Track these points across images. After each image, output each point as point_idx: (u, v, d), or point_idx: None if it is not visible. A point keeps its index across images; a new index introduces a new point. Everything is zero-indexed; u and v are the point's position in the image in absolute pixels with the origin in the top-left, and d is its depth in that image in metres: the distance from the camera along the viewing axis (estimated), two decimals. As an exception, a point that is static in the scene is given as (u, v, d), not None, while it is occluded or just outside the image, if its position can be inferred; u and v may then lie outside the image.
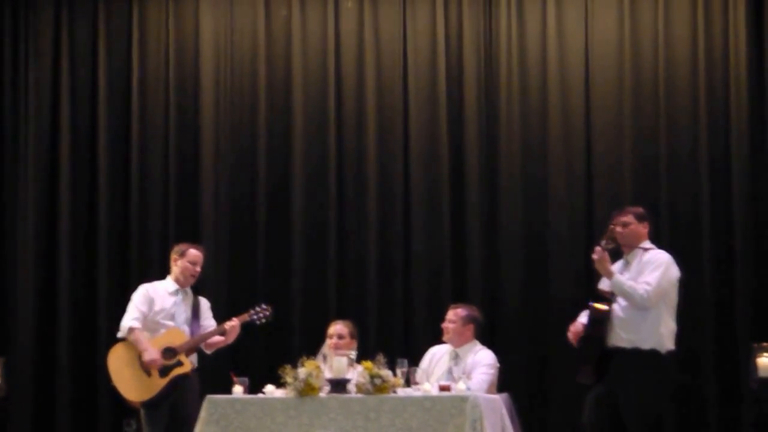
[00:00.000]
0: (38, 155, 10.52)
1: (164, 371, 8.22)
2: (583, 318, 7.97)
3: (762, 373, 8.98)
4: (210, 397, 7.47)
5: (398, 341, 9.95)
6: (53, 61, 10.62)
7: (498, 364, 8.34)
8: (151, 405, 8.23)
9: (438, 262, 10.20)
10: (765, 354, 9.02)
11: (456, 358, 8.36)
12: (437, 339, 8.58)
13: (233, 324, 8.34)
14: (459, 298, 9.23)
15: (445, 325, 8.44)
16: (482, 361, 8.26)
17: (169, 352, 8.24)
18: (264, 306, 8.47)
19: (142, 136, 10.51)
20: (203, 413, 7.41)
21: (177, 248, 8.63)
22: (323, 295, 10.22)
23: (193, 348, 8.35)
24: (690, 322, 9.73)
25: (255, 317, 8.45)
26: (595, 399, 7.73)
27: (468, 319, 8.41)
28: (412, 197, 10.31)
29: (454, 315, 8.43)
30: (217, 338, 8.42)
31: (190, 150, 10.51)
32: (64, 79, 10.57)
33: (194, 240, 9.10)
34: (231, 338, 8.42)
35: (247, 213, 10.42)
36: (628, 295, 7.59)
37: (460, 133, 10.33)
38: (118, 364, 8.30)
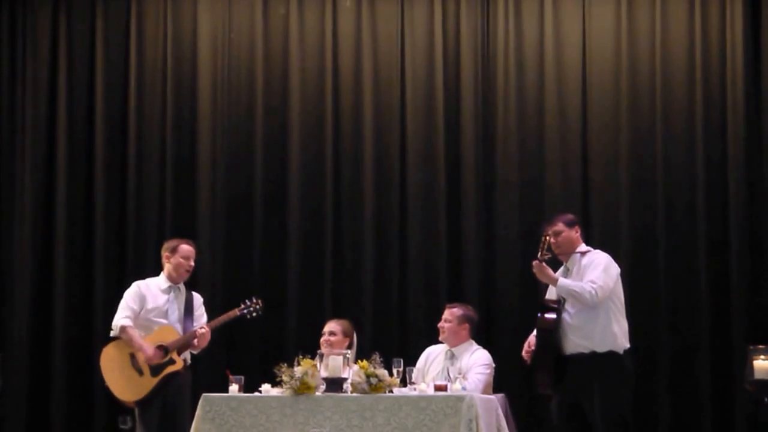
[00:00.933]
0: (35, 152, 10.51)
1: (156, 370, 8.20)
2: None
3: (758, 375, 9.01)
4: (206, 395, 7.47)
5: (394, 341, 9.96)
6: (50, 58, 10.61)
7: (494, 365, 8.35)
8: (144, 403, 8.23)
9: (434, 263, 10.20)
10: (761, 356, 9.04)
11: (452, 357, 8.38)
12: (433, 339, 8.59)
13: (202, 331, 8.29)
14: (455, 299, 9.22)
15: (441, 324, 8.46)
16: (478, 361, 8.28)
17: (160, 350, 8.23)
18: (255, 300, 8.46)
19: (138, 133, 10.51)
20: (199, 411, 7.43)
21: (167, 245, 8.59)
22: (319, 294, 10.21)
23: (184, 345, 8.32)
24: (686, 324, 9.79)
25: (246, 311, 8.44)
26: (556, 406, 7.77)
27: (463, 318, 8.43)
28: (409, 197, 10.32)
29: (450, 314, 8.45)
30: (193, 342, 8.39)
31: (187, 147, 10.51)
32: (61, 75, 10.57)
33: (190, 238, 9.07)
34: (202, 343, 8.34)
35: (243, 211, 10.42)
36: (577, 295, 7.60)
37: (456, 134, 10.33)
38: (109, 365, 8.30)
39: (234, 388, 7.57)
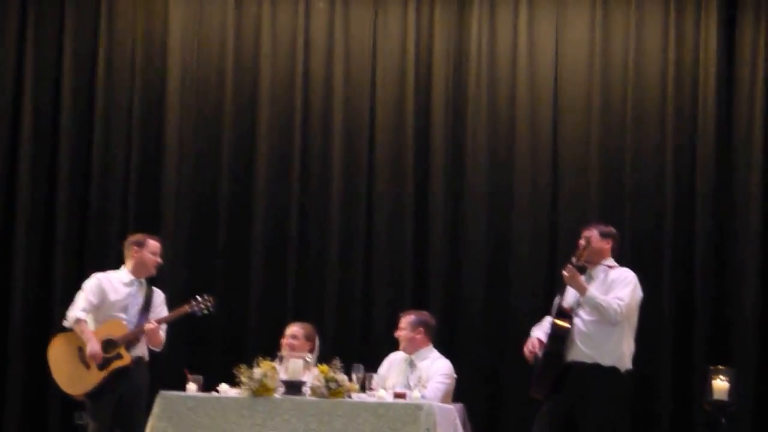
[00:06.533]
0: (-1, 139, 10.45)
1: (103, 364, 8.12)
2: (536, 332, 7.99)
3: (716, 396, 9.03)
4: (162, 392, 7.44)
5: (356, 347, 9.93)
6: (17, 49, 10.50)
7: (455, 375, 8.33)
8: (92, 397, 8.16)
9: (399, 270, 10.20)
10: (720, 377, 9.06)
11: (411, 364, 8.35)
12: (395, 346, 8.55)
13: (150, 327, 8.18)
14: (420, 307, 9.18)
15: (397, 333, 8.44)
16: (439, 370, 8.25)
17: (109, 344, 8.14)
18: (206, 297, 8.35)
19: (105, 125, 10.44)
20: (155, 409, 7.38)
21: (133, 239, 8.50)
22: (282, 296, 10.18)
23: (133, 341, 8.22)
24: (647, 342, 9.79)
25: (196, 308, 8.33)
26: (547, 413, 7.77)
27: (417, 323, 8.40)
28: (376, 202, 10.31)
29: (404, 322, 8.45)
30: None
31: (153, 142, 10.46)
32: (28, 68, 10.46)
33: (154, 233, 8.96)
34: (153, 340, 8.26)
35: (207, 210, 10.37)
36: (603, 309, 7.64)
37: (426, 140, 10.33)
38: (57, 357, 8.26)
39: (192, 387, 7.52)
